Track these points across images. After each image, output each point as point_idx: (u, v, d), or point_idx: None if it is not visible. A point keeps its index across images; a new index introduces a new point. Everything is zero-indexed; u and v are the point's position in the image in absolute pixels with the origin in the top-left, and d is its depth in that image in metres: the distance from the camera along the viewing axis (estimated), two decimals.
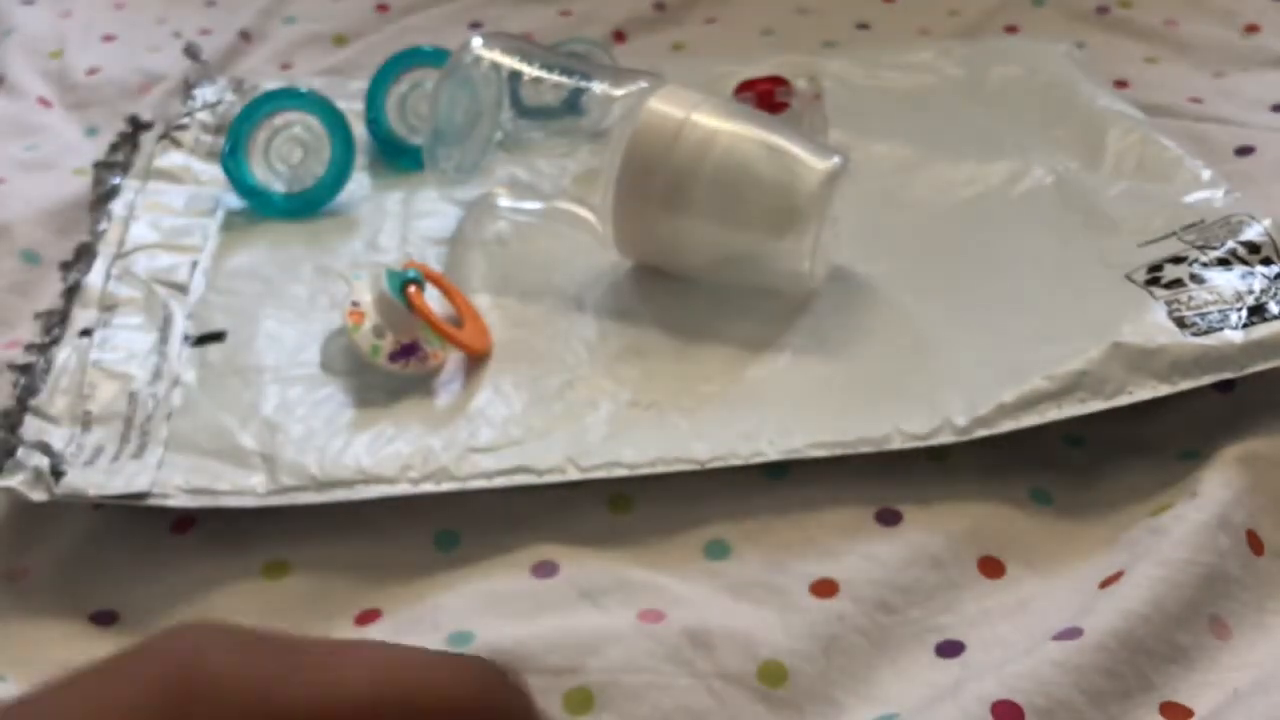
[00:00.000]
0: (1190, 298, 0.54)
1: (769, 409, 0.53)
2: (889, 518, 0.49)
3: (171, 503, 0.50)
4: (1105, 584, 0.46)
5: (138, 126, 0.74)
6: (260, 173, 0.68)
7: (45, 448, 0.51)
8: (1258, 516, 0.47)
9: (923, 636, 0.45)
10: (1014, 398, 0.51)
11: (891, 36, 0.86)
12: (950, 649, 0.45)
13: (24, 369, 0.56)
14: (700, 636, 0.44)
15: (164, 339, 0.58)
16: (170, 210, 0.67)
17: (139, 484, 0.50)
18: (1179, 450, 0.52)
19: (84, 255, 0.63)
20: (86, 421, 0.53)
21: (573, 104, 0.61)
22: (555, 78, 0.62)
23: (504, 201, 0.64)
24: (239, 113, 0.68)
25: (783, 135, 0.58)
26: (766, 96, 0.71)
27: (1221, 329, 0.52)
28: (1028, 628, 0.45)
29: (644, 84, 0.60)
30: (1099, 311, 0.55)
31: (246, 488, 0.50)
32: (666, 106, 0.58)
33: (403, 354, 0.55)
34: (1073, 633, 0.43)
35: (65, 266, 0.63)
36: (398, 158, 0.71)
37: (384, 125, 0.71)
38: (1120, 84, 0.77)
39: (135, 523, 0.51)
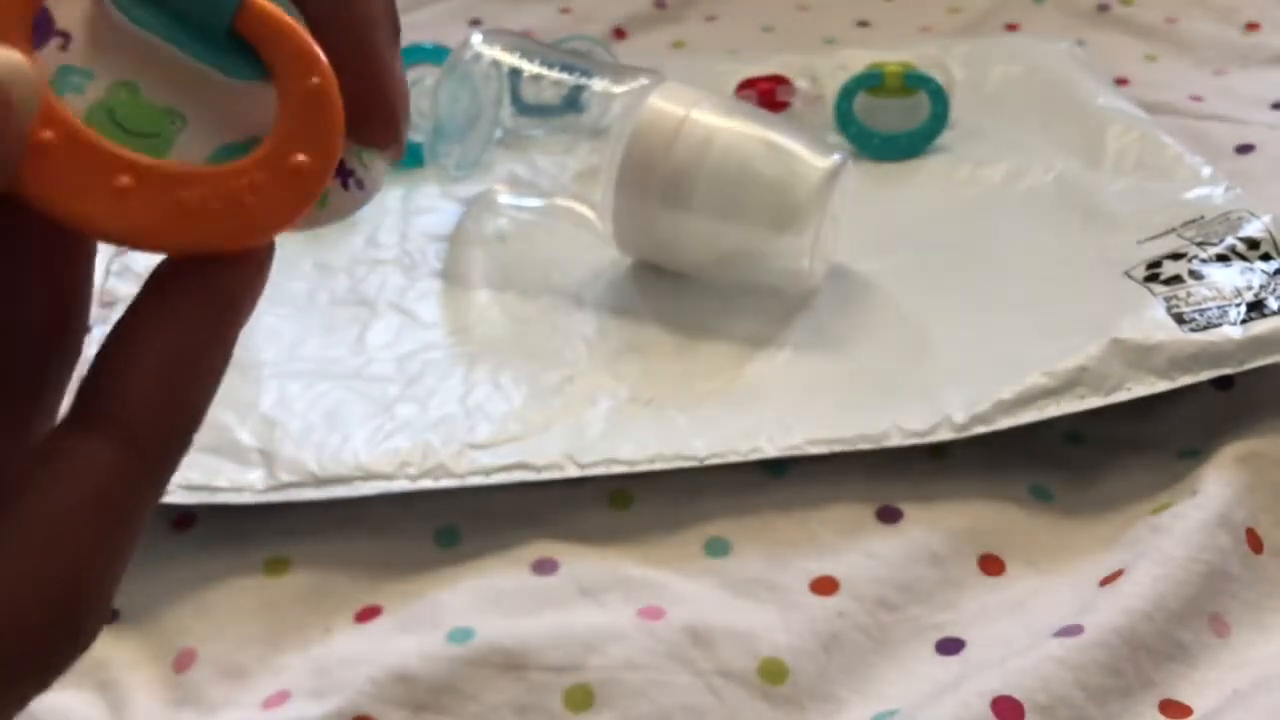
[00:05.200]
0: (1189, 294, 0.54)
1: (768, 406, 0.53)
2: (889, 515, 0.49)
3: (170, 499, 0.49)
4: (1105, 582, 0.46)
5: None
6: None
7: None
8: (1258, 515, 0.47)
9: (923, 634, 0.45)
10: (1013, 394, 0.51)
11: (892, 34, 0.86)
12: (951, 646, 0.45)
13: None
14: (701, 634, 0.44)
15: None
16: None
17: None
18: (1179, 448, 0.52)
19: None
20: None
21: (573, 101, 0.61)
22: (555, 75, 0.62)
23: (504, 198, 0.64)
24: None
25: (783, 133, 0.58)
26: (767, 95, 0.71)
27: (1220, 325, 0.52)
28: (1028, 625, 0.45)
29: (644, 81, 0.60)
30: (1098, 308, 0.55)
31: (245, 484, 0.50)
32: (667, 104, 0.58)
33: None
34: (1073, 630, 0.43)
35: None
36: None
37: None
38: (1121, 82, 0.77)
39: None
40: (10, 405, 0.24)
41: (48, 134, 0.21)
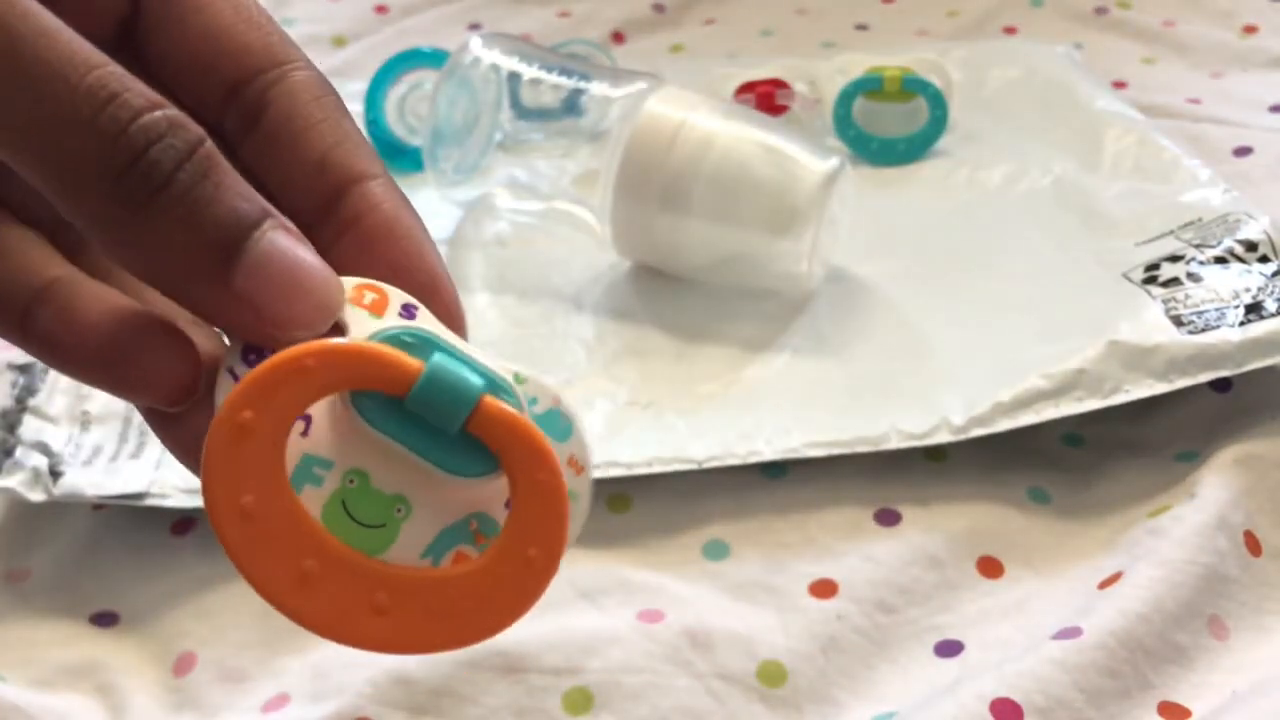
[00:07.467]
0: (1187, 296, 0.54)
1: (767, 409, 0.53)
2: (888, 518, 0.49)
3: (170, 503, 0.50)
4: (1104, 584, 0.46)
5: None
6: None
7: (44, 447, 0.51)
8: (1256, 517, 0.47)
9: (922, 636, 0.45)
10: (1011, 397, 0.51)
11: (890, 38, 0.86)
12: (949, 648, 0.45)
13: (23, 369, 0.56)
14: (699, 637, 0.44)
15: None
16: None
17: (137, 484, 0.50)
18: (1177, 451, 0.52)
19: None
20: (85, 421, 0.53)
21: (571, 105, 0.61)
22: (554, 79, 0.62)
23: (503, 202, 0.64)
24: None
25: (781, 136, 0.58)
26: (766, 99, 0.71)
27: (1218, 327, 0.52)
28: (1027, 627, 0.45)
29: (643, 85, 0.60)
30: (1096, 310, 0.55)
31: None
32: (665, 107, 0.58)
33: None
34: (1072, 632, 0.43)
35: None
36: (397, 159, 0.71)
37: (383, 126, 0.71)
38: (1118, 84, 0.77)
39: (135, 524, 0.51)
40: None
41: (310, 562, 0.24)
